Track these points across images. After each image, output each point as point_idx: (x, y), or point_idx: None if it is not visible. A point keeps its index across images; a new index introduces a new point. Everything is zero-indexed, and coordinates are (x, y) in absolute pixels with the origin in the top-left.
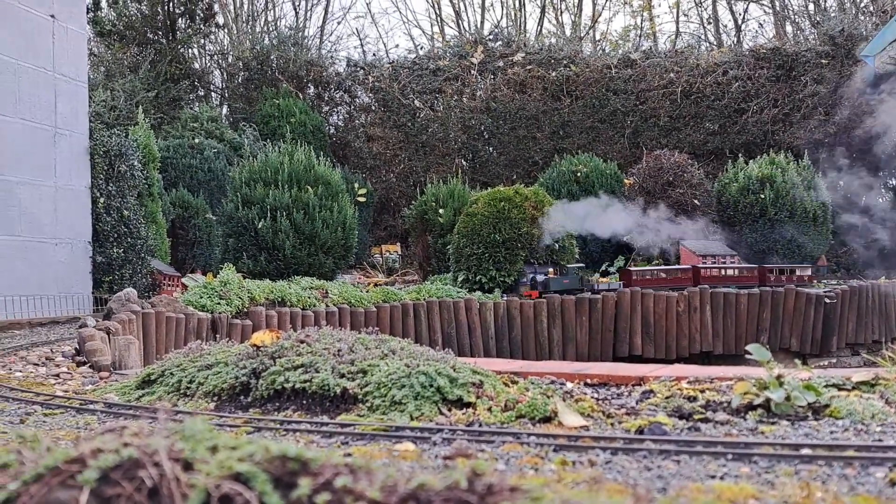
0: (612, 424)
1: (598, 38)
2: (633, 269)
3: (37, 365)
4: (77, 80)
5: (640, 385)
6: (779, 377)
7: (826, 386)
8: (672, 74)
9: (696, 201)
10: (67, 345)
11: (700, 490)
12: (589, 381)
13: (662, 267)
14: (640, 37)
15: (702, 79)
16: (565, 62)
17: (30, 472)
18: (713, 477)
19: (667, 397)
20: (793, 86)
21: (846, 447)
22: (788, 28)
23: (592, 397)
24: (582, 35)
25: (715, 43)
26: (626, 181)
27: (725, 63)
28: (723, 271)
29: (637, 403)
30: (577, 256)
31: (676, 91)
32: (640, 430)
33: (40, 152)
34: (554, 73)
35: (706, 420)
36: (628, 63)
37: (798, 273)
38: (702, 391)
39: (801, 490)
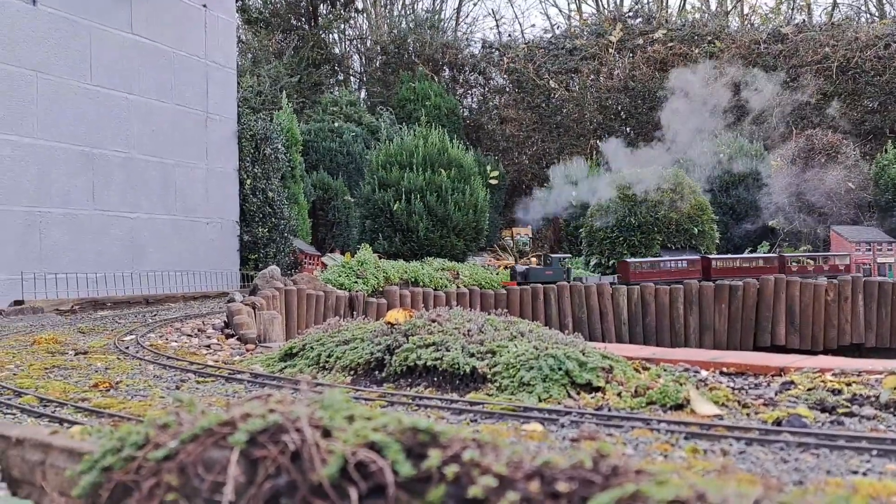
0: (747, 415)
1: (745, 11)
2: (630, 260)
3: (190, 336)
4: (227, 66)
5: (780, 376)
6: None
7: None
8: (827, 49)
9: (850, 184)
10: (217, 318)
11: (838, 485)
12: (725, 369)
13: (665, 258)
14: (792, 9)
15: (860, 53)
16: (710, 38)
17: (187, 433)
18: (855, 472)
19: (809, 389)
20: None
21: None
22: None
23: (728, 386)
24: (728, 9)
25: (876, 14)
26: (772, 162)
27: (888, 35)
28: (736, 262)
29: (776, 394)
30: (716, 241)
31: (832, 67)
32: (777, 422)
33: (193, 136)
34: (697, 50)
35: (851, 414)
36: (779, 38)
37: (835, 262)
38: (848, 384)
39: None
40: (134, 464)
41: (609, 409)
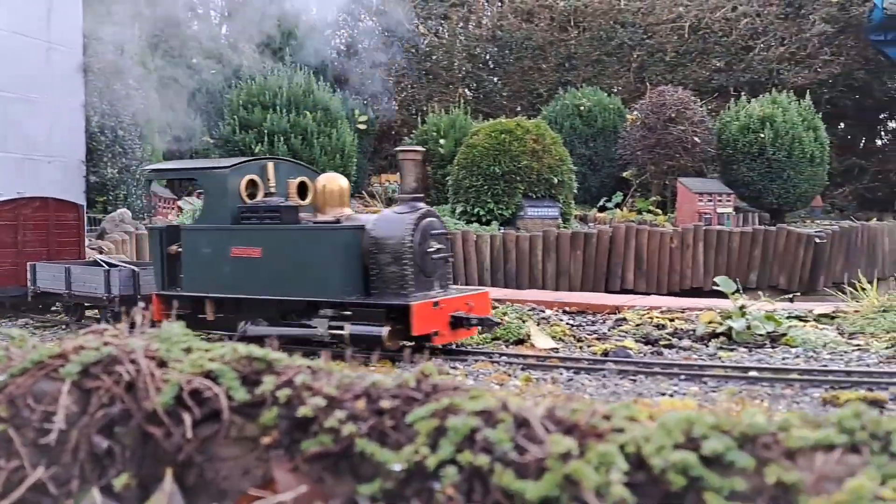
0: (580, 348)
1: None
2: None
3: None
4: None
5: (615, 313)
6: (742, 308)
7: (788, 318)
8: (681, 8)
9: (696, 139)
10: None
11: (644, 404)
12: (567, 308)
13: None
14: None
15: (710, 14)
16: None
17: (17, 367)
18: (663, 394)
19: (637, 325)
20: (801, 24)
21: (790, 370)
22: None
23: (568, 323)
24: None
25: None
26: (629, 116)
27: None
28: None
29: (609, 330)
30: (574, 191)
31: (684, 26)
32: (605, 353)
33: (35, 68)
34: (562, 3)
35: (670, 346)
36: None
37: None
38: (671, 320)
39: (735, 405)
40: None
41: (458, 345)
